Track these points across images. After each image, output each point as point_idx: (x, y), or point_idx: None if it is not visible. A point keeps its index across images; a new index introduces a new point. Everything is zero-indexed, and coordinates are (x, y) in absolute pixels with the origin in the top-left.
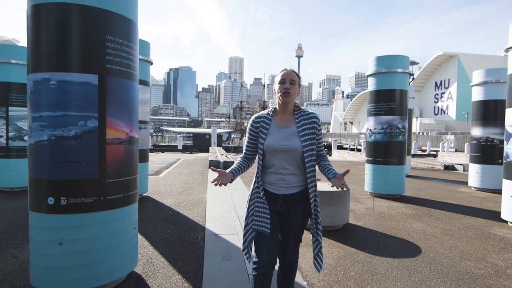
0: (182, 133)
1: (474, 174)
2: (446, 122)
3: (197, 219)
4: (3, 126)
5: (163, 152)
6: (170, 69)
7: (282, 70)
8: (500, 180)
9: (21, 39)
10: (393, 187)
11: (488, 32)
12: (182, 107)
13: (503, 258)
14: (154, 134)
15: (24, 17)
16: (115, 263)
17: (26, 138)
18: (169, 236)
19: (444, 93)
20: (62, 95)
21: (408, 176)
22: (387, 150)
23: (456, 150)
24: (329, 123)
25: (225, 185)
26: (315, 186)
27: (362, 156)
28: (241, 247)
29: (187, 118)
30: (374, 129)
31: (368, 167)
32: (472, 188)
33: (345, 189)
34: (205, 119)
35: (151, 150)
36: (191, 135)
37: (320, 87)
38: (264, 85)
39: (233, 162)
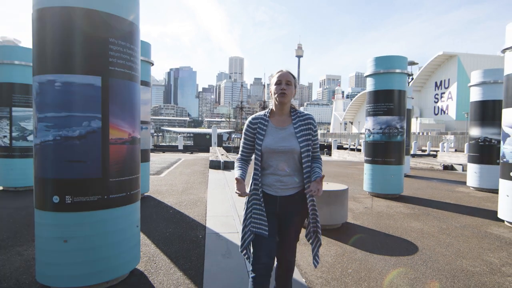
0: (183, 133)
1: (473, 174)
2: (446, 122)
3: (197, 218)
4: (6, 126)
5: (164, 152)
6: (171, 69)
7: (278, 72)
8: (498, 180)
9: (23, 39)
10: (391, 187)
11: (488, 32)
12: (183, 107)
13: (499, 256)
14: (155, 134)
15: (26, 18)
16: (118, 260)
17: (29, 138)
18: (170, 235)
19: (444, 93)
20: (66, 96)
21: (407, 176)
22: (386, 150)
23: (456, 150)
24: (329, 123)
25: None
26: None
27: (362, 156)
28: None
29: (187, 118)
30: (373, 129)
31: (366, 167)
32: (471, 188)
33: (318, 195)
34: (206, 119)
35: (152, 150)
36: (191, 135)
37: (320, 87)
38: (264, 85)
39: (233, 162)
